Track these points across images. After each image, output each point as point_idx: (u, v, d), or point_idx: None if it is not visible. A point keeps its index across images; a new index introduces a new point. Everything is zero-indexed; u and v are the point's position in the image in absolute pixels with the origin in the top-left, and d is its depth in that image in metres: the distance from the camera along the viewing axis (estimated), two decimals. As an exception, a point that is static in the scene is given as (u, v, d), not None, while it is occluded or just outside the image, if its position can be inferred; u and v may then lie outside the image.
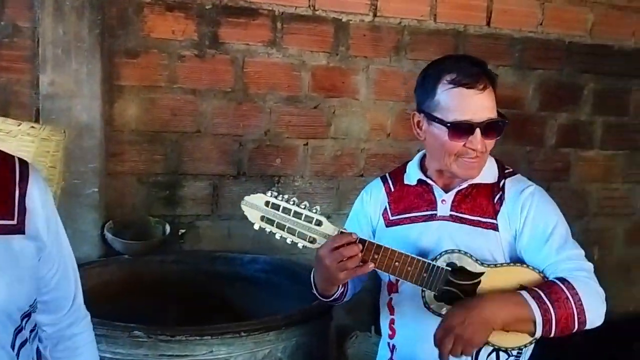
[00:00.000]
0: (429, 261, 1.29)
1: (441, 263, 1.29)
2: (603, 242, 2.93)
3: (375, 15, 2.47)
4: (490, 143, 1.33)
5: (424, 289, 1.29)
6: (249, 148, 2.41)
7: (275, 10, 2.36)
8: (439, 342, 1.22)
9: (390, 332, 1.43)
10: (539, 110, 2.76)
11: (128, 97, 2.23)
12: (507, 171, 1.44)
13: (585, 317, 1.22)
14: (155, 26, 2.23)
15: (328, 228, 1.28)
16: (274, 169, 2.45)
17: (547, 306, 1.21)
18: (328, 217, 1.30)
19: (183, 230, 2.38)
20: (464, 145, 1.31)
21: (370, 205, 1.50)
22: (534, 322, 1.21)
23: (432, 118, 1.34)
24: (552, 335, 1.22)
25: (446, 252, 1.31)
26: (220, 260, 2.34)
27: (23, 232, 0.97)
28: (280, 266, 2.26)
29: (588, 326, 1.24)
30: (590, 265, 1.29)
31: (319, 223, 1.27)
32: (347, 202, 2.53)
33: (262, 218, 1.28)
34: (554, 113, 2.78)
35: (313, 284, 1.44)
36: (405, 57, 2.54)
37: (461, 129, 1.30)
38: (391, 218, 1.45)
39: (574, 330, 1.23)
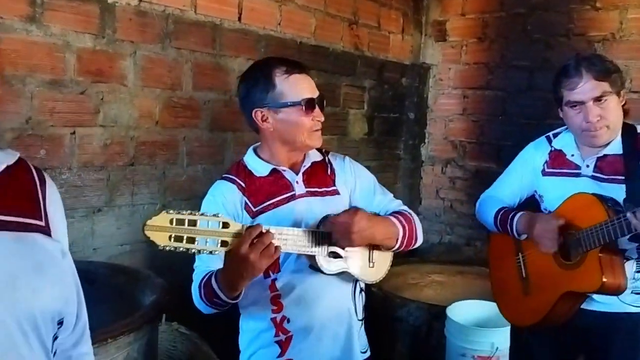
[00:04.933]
0: (316, 229, 1.53)
1: (322, 229, 1.54)
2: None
3: (140, 0, 2.41)
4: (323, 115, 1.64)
5: (317, 255, 1.52)
6: (8, 139, 2.08)
7: (34, -19, 2.08)
8: (337, 227, 1.50)
9: (275, 307, 1.59)
10: (279, 101, 3.12)
11: None
12: (323, 150, 1.76)
13: (418, 234, 1.67)
14: None
15: (236, 227, 1.36)
16: (38, 161, 2.16)
17: (405, 225, 1.62)
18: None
19: None
20: (312, 119, 1.58)
21: (229, 205, 1.60)
22: (397, 238, 1.61)
23: (281, 105, 1.56)
24: (402, 248, 1.64)
25: (322, 220, 1.56)
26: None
27: (50, 235, 0.95)
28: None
29: (418, 243, 1.69)
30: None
31: (225, 225, 1.34)
32: (118, 194, 2.44)
33: (170, 237, 1.26)
34: (290, 103, 3.19)
35: (217, 289, 1.47)
36: (170, 46, 2.55)
37: (310, 104, 1.57)
38: (255, 209, 1.59)
39: (412, 246, 1.67)
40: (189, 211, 1.29)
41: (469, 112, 3.99)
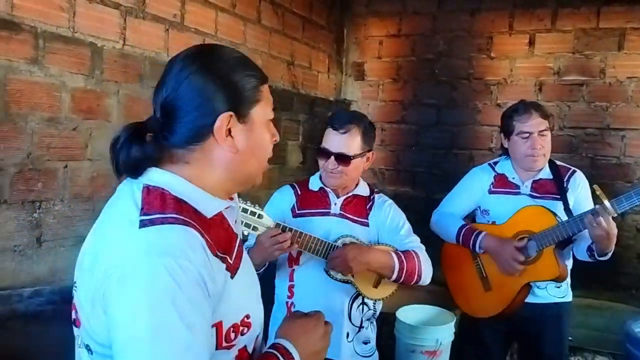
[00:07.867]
0: (332, 242, 1.94)
1: (339, 243, 1.94)
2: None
3: (124, 44, 2.61)
4: (344, 168, 1.99)
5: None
6: (11, 173, 2.18)
7: (37, 27, 2.23)
8: (335, 260, 1.91)
9: (289, 294, 2.00)
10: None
11: None
12: (375, 190, 2.18)
13: (422, 272, 2.02)
14: None
15: (267, 220, 1.80)
16: (35, 194, 2.29)
17: (402, 259, 1.98)
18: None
19: None
20: (324, 163, 2.01)
21: (283, 202, 2.08)
22: (392, 270, 1.97)
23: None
24: (401, 280, 2.00)
25: (341, 236, 1.97)
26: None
27: None
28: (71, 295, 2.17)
29: (422, 281, 2.05)
30: (422, 246, 2.13)
31: (260, 216, 1.77)
32: (102, 223, 2.58)
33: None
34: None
35: None
36: (147, 85, 2.76)
37: (321, 152, 2.01)
38: (297, 212, 2.04)
39: (414, 282, 2.02)
40: (249, 203, 1.77)
41: (386, 143, 4.53)
